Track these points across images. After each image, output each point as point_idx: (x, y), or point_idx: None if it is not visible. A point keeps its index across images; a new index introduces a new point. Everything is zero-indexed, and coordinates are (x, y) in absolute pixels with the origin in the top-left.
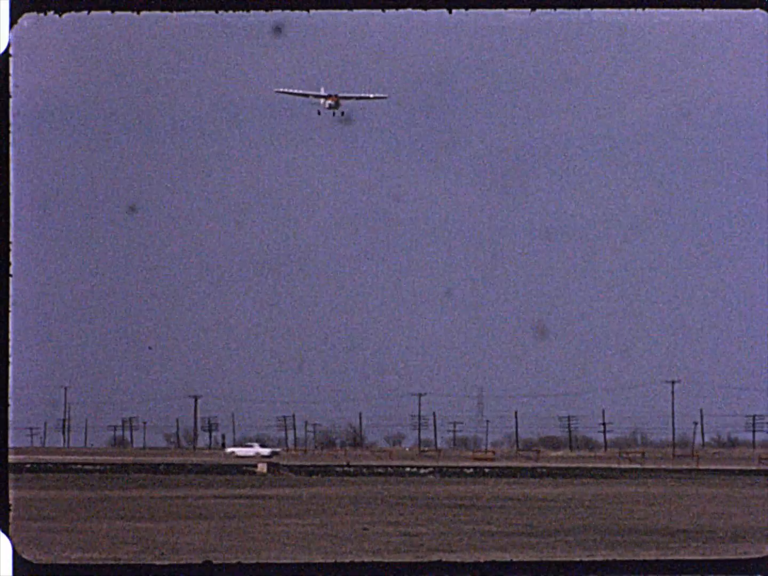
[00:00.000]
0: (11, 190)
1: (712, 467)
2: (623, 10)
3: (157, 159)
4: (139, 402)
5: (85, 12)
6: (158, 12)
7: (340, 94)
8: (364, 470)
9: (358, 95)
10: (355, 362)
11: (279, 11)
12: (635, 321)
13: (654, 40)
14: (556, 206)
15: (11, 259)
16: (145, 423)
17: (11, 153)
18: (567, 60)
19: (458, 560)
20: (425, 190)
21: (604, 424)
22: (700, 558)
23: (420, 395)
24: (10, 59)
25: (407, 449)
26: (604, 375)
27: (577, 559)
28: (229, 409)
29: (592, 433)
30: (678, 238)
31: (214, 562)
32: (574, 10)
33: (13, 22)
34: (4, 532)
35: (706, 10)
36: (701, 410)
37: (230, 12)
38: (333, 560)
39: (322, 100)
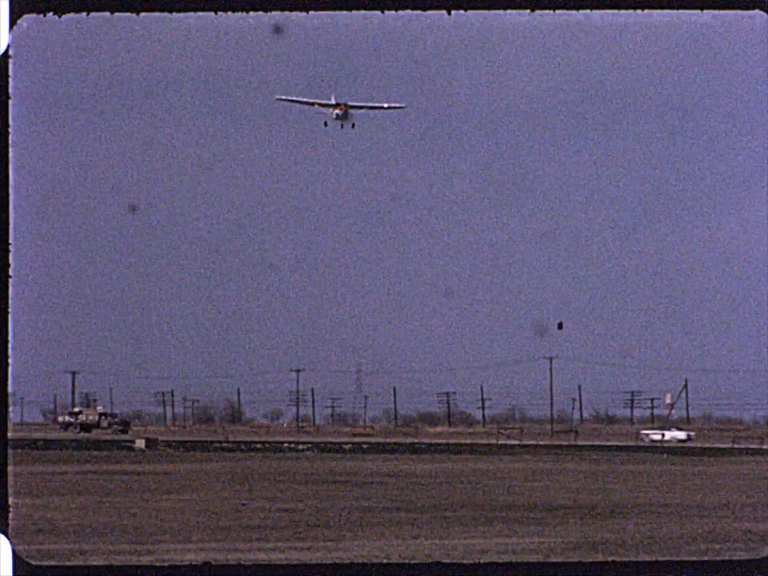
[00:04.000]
0: (11, 190)
1: (591, 443)
2: (623, 12)
3: (156, 160)
4: (16, 377)
5: (85, 13)
6: (158, 13)
7: (351, 103)
8: (242, 446)
9: (371, 105)
10: (234, 338)
11: (278, 12)
12: (512, 297)
13: (654, 41)
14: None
15: (11, 259)
16: (22, 398)
17: (10, 153)
18: (566, 61)
19: (457, 560)
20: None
21: (482, 399)
22: (698, 559)
23: (298, 371)
24: (10, 60)
25: (285, 425)
26: (482, 351)
27: (576, 559)
28: (106, 385)
29: (470, 409)
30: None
31: (214, 563)
32: (574, 12)
33: (12, 23)
34: (3, 533)
35: (706, 11)
36: (579, 386)
37: (229, 13)
38: (331, 560)
39: (330, 110)
